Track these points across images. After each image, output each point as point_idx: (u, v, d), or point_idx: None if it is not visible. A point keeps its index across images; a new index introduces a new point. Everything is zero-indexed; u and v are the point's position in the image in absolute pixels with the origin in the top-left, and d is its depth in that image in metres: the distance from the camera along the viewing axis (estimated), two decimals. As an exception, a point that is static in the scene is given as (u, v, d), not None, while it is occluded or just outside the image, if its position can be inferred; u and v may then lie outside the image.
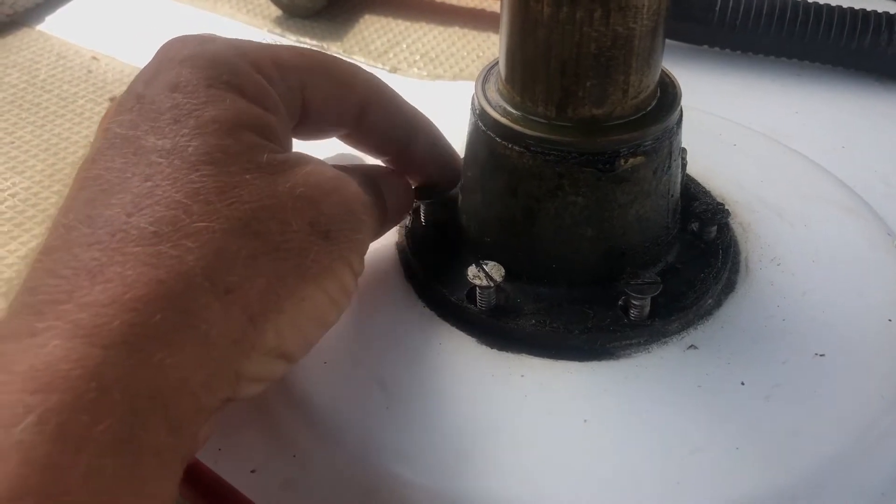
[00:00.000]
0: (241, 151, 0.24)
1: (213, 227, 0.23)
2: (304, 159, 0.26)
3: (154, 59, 0.26)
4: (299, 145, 0.31)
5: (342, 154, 0.36)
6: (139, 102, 0.25)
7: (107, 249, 0.22)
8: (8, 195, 0.44)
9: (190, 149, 0.24)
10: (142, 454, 0.20)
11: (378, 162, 0.34)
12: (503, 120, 0.30)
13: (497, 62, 0.31)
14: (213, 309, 0.22)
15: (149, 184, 0.23)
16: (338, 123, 0.31)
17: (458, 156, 0.35)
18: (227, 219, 0.23)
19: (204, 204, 0.23)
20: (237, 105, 0.25)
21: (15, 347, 0.20)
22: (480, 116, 0.31)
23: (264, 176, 0.24)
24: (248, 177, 0.24)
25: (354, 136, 0.32)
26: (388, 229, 0.33)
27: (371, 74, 0.31)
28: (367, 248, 0.29)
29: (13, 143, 0.48)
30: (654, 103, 0.30)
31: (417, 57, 0.57)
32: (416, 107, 0.33)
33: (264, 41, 0.30)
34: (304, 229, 0.25)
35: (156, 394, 0.20)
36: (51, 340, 0.20)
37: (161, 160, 0.23)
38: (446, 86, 0.54)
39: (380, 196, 0.30)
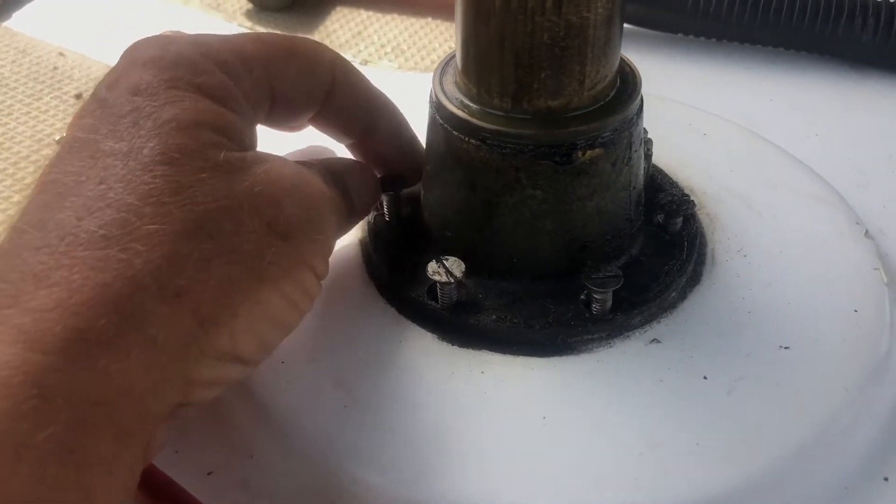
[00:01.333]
0: (197, 150, 0.24)
1: (164, 229, 0.22)
2: (263, 157, 0.26)
3: (118, 62, 0.26)
4: (272, 136, 0.30)
5: (313, 146, 0.36)
6: (101, 107, 0.25)
7: (54, 253, 0.21)
8: (-30, 194, 0.44)
9: (145, 150, 0.23)
10: (87, 463, 0.20)
11: (343, 149, 0.34)
12: (460, 113, 0.29)
13: (454, 55, 0.31)
14: (161, 313, 0.22)
15: (102, 186, 0.23)
16: (307, 106, 0.30)
17: (422, 146, 0.34)
18: (180, 220, 0.22)
19: (156, 206, 0.22)
20: (197, 104, 0.25)
21: None
22: (437, 109, 0.30)
23: (221, 175, 0.24)
24: (203, 176, 0.23)
25: (320, 116, 0.31)
26: (355, 224, 0.33)
27: (336, 53, 0.31)
28: (331, 248, 0.28)
29: (-24, 140, 0.48)
30: (612, 94, 0.29)
31: (389, 49, 0.56)
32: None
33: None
34: (262, 230, 0.24)
35: (101, 400, 0.20)
36: None
37: (116, 163, 0.23)
38: (417, 77, 0.53)
39: (344, 190, 0.30)
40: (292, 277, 0.25)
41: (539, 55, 0.27)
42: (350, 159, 0.33)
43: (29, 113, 0.50)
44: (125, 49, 0.27)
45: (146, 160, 0.23)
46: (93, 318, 0.20)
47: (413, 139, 0.34)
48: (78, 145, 0.24)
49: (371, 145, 0.33)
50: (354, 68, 0.31)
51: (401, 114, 0.33)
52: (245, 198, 0.24)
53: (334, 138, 0.33)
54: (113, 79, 0.26)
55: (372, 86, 0.32)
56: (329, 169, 0.29)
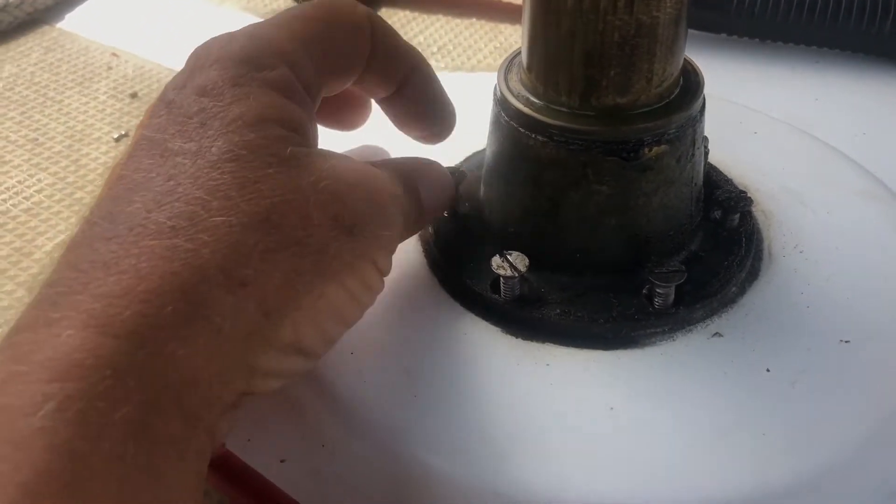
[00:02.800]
0: (265, 145, 0.24)
1: (230, 221, 0.23)
2: (329, 153, 0.27)
3: (185, 65, 0.27)
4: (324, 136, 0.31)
5: (366, 146, 0.37)
6: (168, 108, 0.25)
7: (124, 243, 0.22)
8: (34, 191, 0.45)
9: (213, 149, 0.24)
10: (158, 443, 0.20)
11: (397, 150, 0.34)
12: (526, 109, 0.30)
13: (519, 52, 0.31)
14: (227, 302, 0.22)
15: (171, 182, 0.23)
16: (355, 68, 0.30)
17: (449, 100, 0.34)
18: (246, 213, 0.23)
19: (223, 199, 0.23)
20: (262, 99, 0.25)
21: (30, 338, 0.20)
22: (503, 106, 0.31)
23: (287, 169, 0.24)
24: (270, 171, 0.24)
25: (363, 74, 0.31)
26: (427, 223, 0.33)
27: (367, 8, 0.30)
28: (395, 245, 0.29)
29: (36, 139, 0.49)
30: (677, 91, 0.30)
31: (435, 49, 0.57)
32: None
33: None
34: (327, 224, 0.25)
35: (168, 384, 0.21)
36: (64, 330, 0.20)
37: (185, 161, 0.24)
38: (465, 77, 0.54)
39: (414, 190, 0.30)
40: (356, 272, 0.26)
41: (609, 53, 0.27)
42: (421, 159, 0.33)
43: (87, 112, 0.51)
44: (191, 52, 0.27)
45: (214, 158, 0.24)
46: (160, 304, 0.21)
47: (442, 89, 0.34)
48: (147, 144, 0.25)
49: (406, 97, 0.33)
50: (385, 20, 0.31)
51: (430, 67, 0.33)
52: (311, 192, 0.25)
53: (370, 94, 0.33)
54: (180, 81, 0.26)
55: (403, 39, 0.32)
56: (398, 169, 0.30)
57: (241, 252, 0.23)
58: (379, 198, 0.27)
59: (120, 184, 0.24)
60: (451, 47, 0.57)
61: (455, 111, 0.34)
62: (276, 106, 0.26)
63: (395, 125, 0.34)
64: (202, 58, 0.27)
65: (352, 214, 0.25)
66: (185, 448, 0.21)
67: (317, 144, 0.29)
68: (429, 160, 0.33)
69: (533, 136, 0.30)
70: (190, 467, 0.21)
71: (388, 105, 0.34)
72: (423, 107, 0.33)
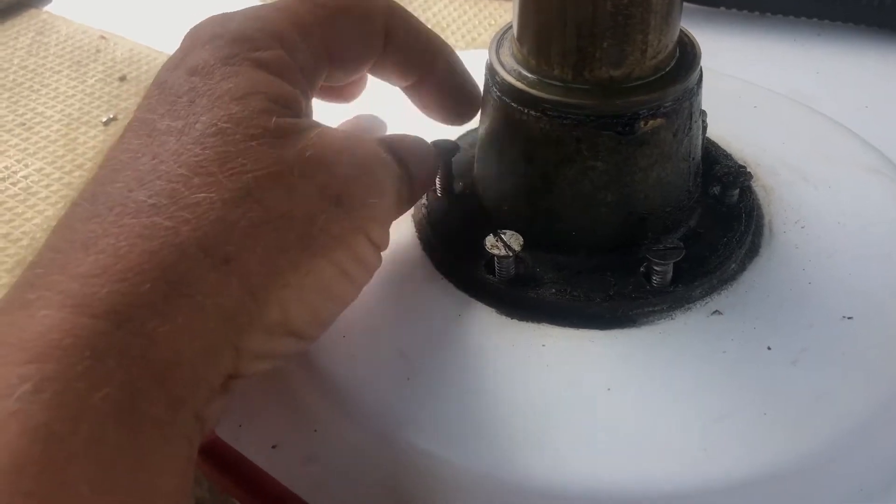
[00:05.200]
0: (247, 117, 0.24)
1: (211, 197, 0.22)
2: (316, 123, 0.26)
3: (181, 45, 0.26)
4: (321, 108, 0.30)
5: (362, 115, 0.36)
6: (160, 89, 0.25)
7: (103, 222, 0.22)
8: (21, 176, 0.44)
9: (198, 125, 0.23)
10: (142, 424, 0.20)
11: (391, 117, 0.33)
12: (518, 84, 0.29)
13: (511, 26, 0.30)
14: (209, 279, 0.22)
15: (154, 161, 0.23)
16: (366, 59, 0.30)
17: (475, 82, 0.33)
18: (227, 188, 0.22)
19: (205, 175, 0.22)
20: (251, 75, 0.25)
21: (6, 320, 0.20)
22: (495, 81, 0.30)
23: (271, 141, 0.24)
24: (253, 144, 0.23)
25: (378, 63, 0.31)
26: (418, 197, 0.32)
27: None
28: (389, 215, 0.28)
29: (24, 124, 0.48)
30: (672, 63, 0.29)
31: (430, 26, 0.56)
32: None
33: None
34: (314, 195, 0.24)
35: (150, 364, 0.20)
36: (40, 311, 0.20)
37: (170, 139, 0.23)
38: (460, 55, 0.53)
39: (403, 161, 0.29)
40: (346, 246, 0.25)
41: (602, 24, 0.27)
42: (404, 135, 0.32)
43: (75, 96, 0.50)
44: (187, 31, 0.27)
45: (197, 134, 0.23)
46: (138, 283, 0.21)
47: (467, 75, 0.33)
48: (137, 125, 0.24)
49: (429, 85, 0.32)
50: (406, 10, 0.31)
51: (453, 51, 0.33)
52: (296, 162, 0.24)
53: (391, 82, 0.33)
54: (174, 62, 0.26)
55: (424, 26, 0.31)
56: (385, 141, 0.29)
57: (223, 228, 0.22)
58: (367, 163, 0.26)
59: (107, 165, 0.24)
60: (444, 24, 0.56)
61: (480, 92, 0.33)
62: (266, 82, 0.25)
63: (420, 110, 0.34)
64: (196, 38, 0.26)
65: (339, 183, 0.25)
66: (170, 431, 0.21)
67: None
68: (412, 135, 0.32)
69: (525, 111, 0.29)
70: (177, 451, 0.21)
71: (412, 93, 0.33)
72: (447, 94, 0.33)
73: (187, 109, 0.24)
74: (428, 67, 0.31)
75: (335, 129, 0.26)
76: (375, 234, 0.26)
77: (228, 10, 0.28)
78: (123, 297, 0.20)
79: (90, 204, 0.22)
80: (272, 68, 0.26)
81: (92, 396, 0.19)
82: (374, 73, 0.32)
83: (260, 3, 0.29)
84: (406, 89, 0.33)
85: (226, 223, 0.22)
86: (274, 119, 0.24)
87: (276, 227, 0.23)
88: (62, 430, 0.18)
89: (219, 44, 0.25)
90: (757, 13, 0.53)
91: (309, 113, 0.28)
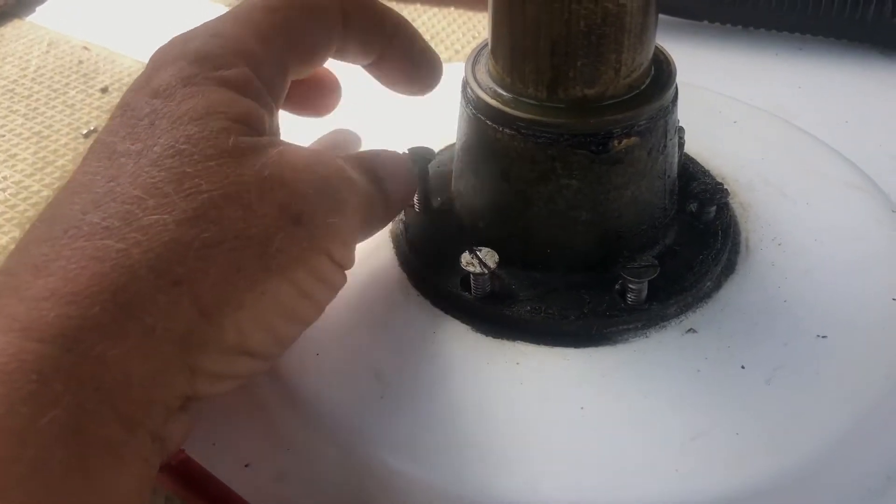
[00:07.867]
0: (206, 137, 0.24)
1: (164, 219, 0.22)
2: (278, 141, 0.25)
3: (145, 68, 0.26)
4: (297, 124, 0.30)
5: (338, 130, 0.36)
6: (122, 111, 0.25)
7: (56, 245, 0.22)
8: (-1, 189, 0.44)
9: (156, 147, 0.23)
10: (91, 446, 0.20)
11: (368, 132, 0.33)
12: (493, 102, 0.29)
13: (487, 43, 0.30)
14: (159, 302, 0.21)
15: (111, 183, 0.23)
16: (327, 48, 0.30)
17: (436, 53, 0.34)
18: (182, 209, 0.22)
19: (160, 197, 0.22)
20: (211, 95, 0.25)
21: None
22: (470, 99, 0.30)
23: (229, 161, 0.24)
24: (211, 164, 0.23)
25: (340, 48, 0.31)
26: (394, 215, 0.31)
27: None
28: (353, 234, 0.27)
29: (3, 135, 0.48)
30: (647, 82, 0.29)
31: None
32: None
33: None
34: (272, 214, 0.23)
35: (100, 386, 0.20)
36: None
37: (128, 161, 0.23)
38: (445, 67, 0.53)
39: (377, 179, 0.29)
40: (306, 265, 0.24)
41: (575, 43, 0.27)
42: (380, 150, 0.31)
43: (55, 107, 0.50)
44: (152, 54, 0.27)
45: (155, 156, 0.23)
46: (87, 305, 0.20)
47: (426, 44, 0.33)
48: (98, 147, 0.24)
49: (390, 59, 0.32)
50: None
51: (410, 23, 0.33)
52: (254, 181, 0.23)
53: (352, 62, 0.32)
54: (139, 84, 0.26)
55: (380, 3, 0.31)
56: (357, 158, 0.29)
57: (176, 250, 0.22)
58: (329, 181, 0.25)
59: (68, 187, 0.24)
60: (429, 36, 0.56)
61: (441, 61, 0.34)
62: (227, 101, 0.25)
63: (382, 84, 0.34)
64: (160, 60, 0.26)
65: (298, 202, 0.24)
66: (124, 451, 0.20)
67: (276, 137, 0.28)
68: (390, 151, 0.32)
69: (500, 129, 0.29)
70: (130, 471, 0.21)
71: (374, 69, 0.33)
72: (409, 66, 0.33)
73: (147, 132, 0.24)
74: (387, 42, 0.31)
75: (298, 146, 0.26)
76: (338, 253, 0.26)
77: (205, 19, 0.28)
78: (72, 320, 0.20)
79: (46, 226, 0.22)
80: (235, 86, 0.25)
81: (37, 420, 0.19)
82: (336, 57, 0.31)
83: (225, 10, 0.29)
84: (368, 67, 0.33)
85: (179, 244, 0.22)
86: (232, 138, 0.24)
87: (232, 247, 0.23)
88: (5, 454, 0.18)
89: (181, 65, 0.25)
90: (739, 27, 0.53)
91: (275, 128, 0.28)
